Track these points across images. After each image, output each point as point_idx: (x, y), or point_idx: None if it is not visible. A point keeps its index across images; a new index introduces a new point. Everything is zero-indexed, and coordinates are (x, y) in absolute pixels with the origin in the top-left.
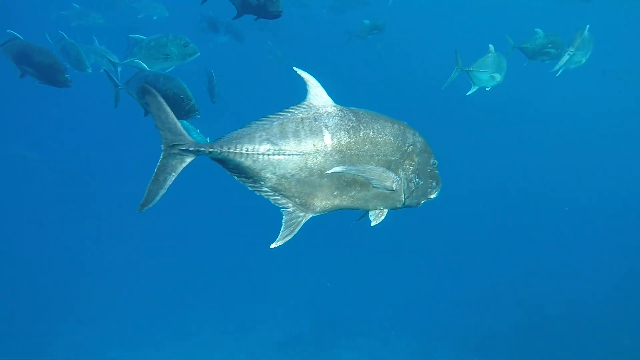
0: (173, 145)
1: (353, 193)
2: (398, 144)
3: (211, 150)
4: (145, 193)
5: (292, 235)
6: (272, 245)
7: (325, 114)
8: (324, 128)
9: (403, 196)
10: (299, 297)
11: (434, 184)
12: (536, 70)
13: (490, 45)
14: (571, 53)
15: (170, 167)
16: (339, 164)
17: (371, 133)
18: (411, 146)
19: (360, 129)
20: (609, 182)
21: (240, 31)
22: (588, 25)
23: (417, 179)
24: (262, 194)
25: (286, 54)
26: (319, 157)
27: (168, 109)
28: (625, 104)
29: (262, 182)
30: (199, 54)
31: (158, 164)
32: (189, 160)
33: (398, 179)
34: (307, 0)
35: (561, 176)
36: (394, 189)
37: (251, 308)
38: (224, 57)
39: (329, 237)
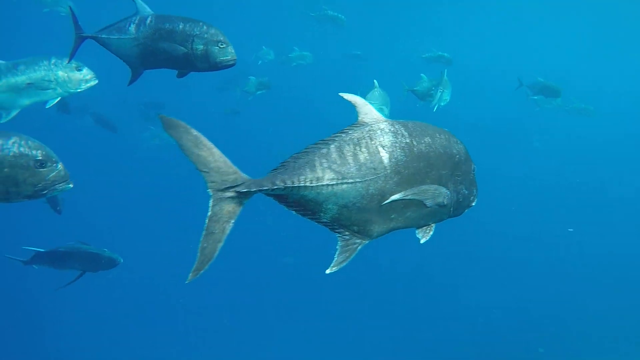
0: (226, 188)
1: (409, 214)
2: (447, 156)
3: (275, 187)
4: (198, 255)
5: (347, 261)
6: (328, 271)
7: (379, 131)
8: (380, 148)
9: (451, 209)
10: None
11: (474, 191)
12: None
13: (375, 81)
14: (441, 91)
15: (227, 214)
16: (397, 186)
17: (423, 148)
18: (457, 156)
19: (414, 145)
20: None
21: (110, 120)
22: (446, 70)
23: (464, 189)
24: (321, 224)
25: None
26: (380, 182)
27: (208, 143)
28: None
29: (322, 214)
30: (97, 81)
31: (209, 214)
32: (246, 201)
33: (449, 193)
34: (188, 80)
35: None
36: (446, 204)
37: None
38: (105, 151)
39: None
